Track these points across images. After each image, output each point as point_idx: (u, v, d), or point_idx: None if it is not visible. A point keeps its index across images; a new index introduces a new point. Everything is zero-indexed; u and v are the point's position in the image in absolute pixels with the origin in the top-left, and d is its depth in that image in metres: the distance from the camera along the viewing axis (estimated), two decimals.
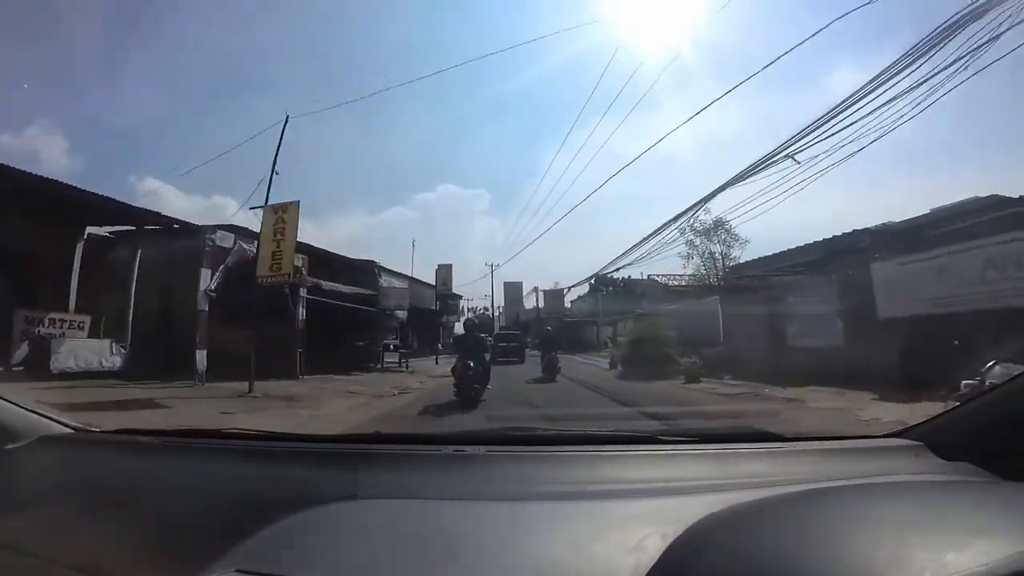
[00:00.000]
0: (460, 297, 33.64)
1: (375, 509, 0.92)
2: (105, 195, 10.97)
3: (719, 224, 21.83)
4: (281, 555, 0.76)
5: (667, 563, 0.66)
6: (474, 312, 39.58)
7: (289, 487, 1.03)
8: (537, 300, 40.57)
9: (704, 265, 23.87)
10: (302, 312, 13.76)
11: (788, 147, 9.88)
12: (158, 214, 12.33)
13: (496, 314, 45.56)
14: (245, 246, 12.16)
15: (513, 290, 45.76)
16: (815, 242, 12.59)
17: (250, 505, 0.95)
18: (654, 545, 0.70)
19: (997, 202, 8.86)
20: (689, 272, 24.90)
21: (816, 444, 1.22)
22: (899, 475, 0.96)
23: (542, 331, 19.46)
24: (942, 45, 7.21)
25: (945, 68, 7.26)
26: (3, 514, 0.99)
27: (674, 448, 1.18)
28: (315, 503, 0.90)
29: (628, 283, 35.58)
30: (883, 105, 8.16)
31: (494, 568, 0.72)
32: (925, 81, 7.54)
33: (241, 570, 0.68)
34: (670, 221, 15.68)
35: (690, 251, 23.44)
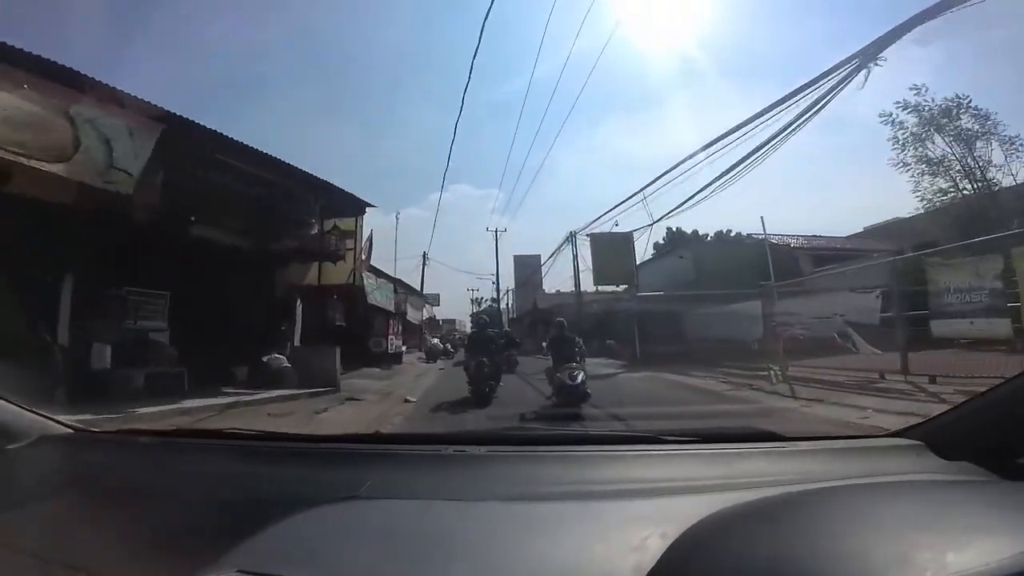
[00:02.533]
0: (368, 205, 13.41)
1: (375, 509, 0.92)
2: None
3: (962, 105, 11.17)
4: (281, 555, 0.76)
5: (668, 563, 0.66)
6: (479, 304, 37.47)
7: (289, 487, 1.03)
8: (575, 264, 21.67)
9: (955, 180, 12.35)
10: None
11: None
12: None
13: (507, 303, 34.57)
14: None
15: (526, 266, 31.20)
16: None
17: (250, 505, 0.95)
18: (655, 545, 0.70)
19: None
20: (928, 194, 13.37)
21: (816, 444, 1.22)
22: (900, 475, 0.96)
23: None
24: None
25: None
26: (3, 514, 0.98)
27: (675, 448, 1.17)
28: (315, 503, 0.90)
29: (729, 240, 20.58)
30: None
31: (494, 568, 0.72)
32: None
33: (241, 570, 0.68)
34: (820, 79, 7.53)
35: (917, 148, 12.00)
